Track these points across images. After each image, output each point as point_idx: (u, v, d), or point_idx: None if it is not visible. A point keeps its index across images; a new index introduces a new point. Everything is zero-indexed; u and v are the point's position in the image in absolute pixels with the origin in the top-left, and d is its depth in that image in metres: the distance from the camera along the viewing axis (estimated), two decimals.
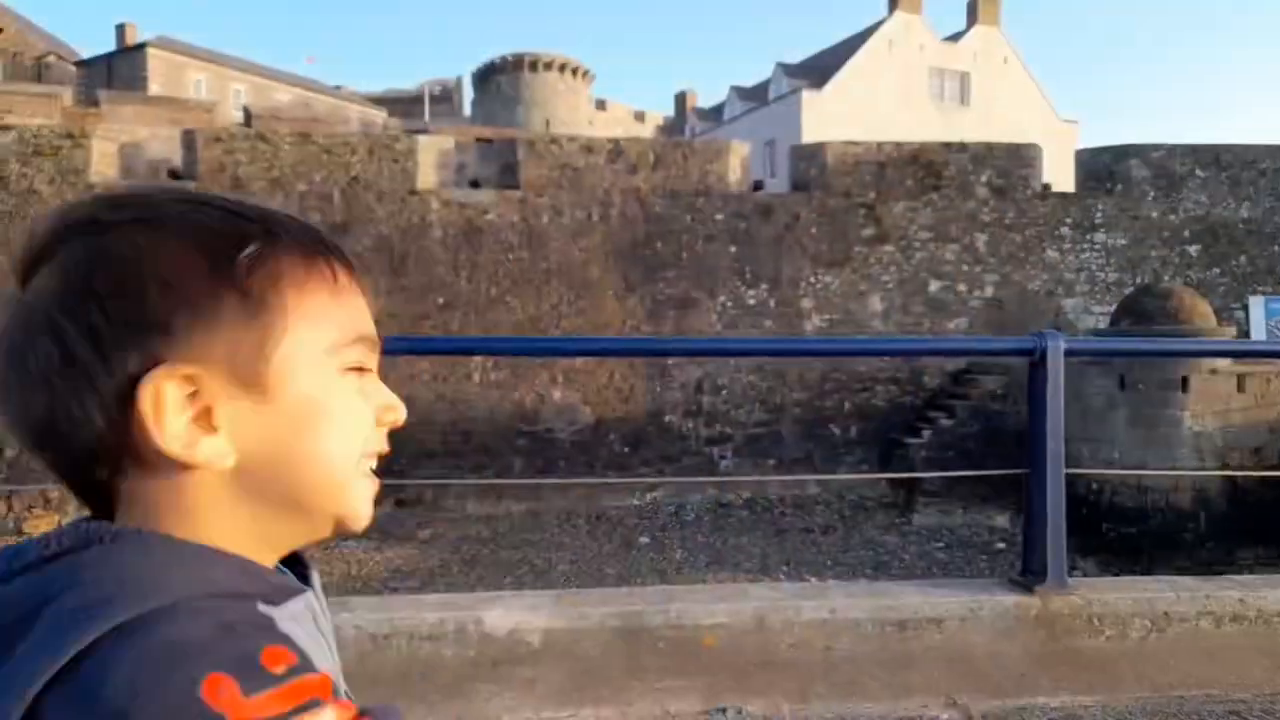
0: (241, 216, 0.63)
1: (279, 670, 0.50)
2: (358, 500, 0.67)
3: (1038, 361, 3.39)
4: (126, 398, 0.56)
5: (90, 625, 0.49)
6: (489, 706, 2.69)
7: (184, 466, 0.57)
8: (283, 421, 0.60)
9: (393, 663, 2.84)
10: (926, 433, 16.45)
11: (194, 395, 0.57)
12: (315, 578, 0.69)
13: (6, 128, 16.99)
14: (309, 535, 0.66)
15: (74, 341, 0.57)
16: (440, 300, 17.26)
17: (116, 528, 0.57)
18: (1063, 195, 18.94)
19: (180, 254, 0.59)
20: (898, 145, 18.71)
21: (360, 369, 0.67)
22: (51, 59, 48.01)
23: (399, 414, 0.72)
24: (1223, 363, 13.49)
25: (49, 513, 15.28)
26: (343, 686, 0.62)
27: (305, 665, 0.52)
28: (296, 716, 0.49)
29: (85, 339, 0.56)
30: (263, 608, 0.55)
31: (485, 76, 57.62)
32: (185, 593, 0.53)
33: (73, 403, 0.56)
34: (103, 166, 16.98)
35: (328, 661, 0.63)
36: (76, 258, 0.61)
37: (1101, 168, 19.06)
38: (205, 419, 0.58)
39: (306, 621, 0.61)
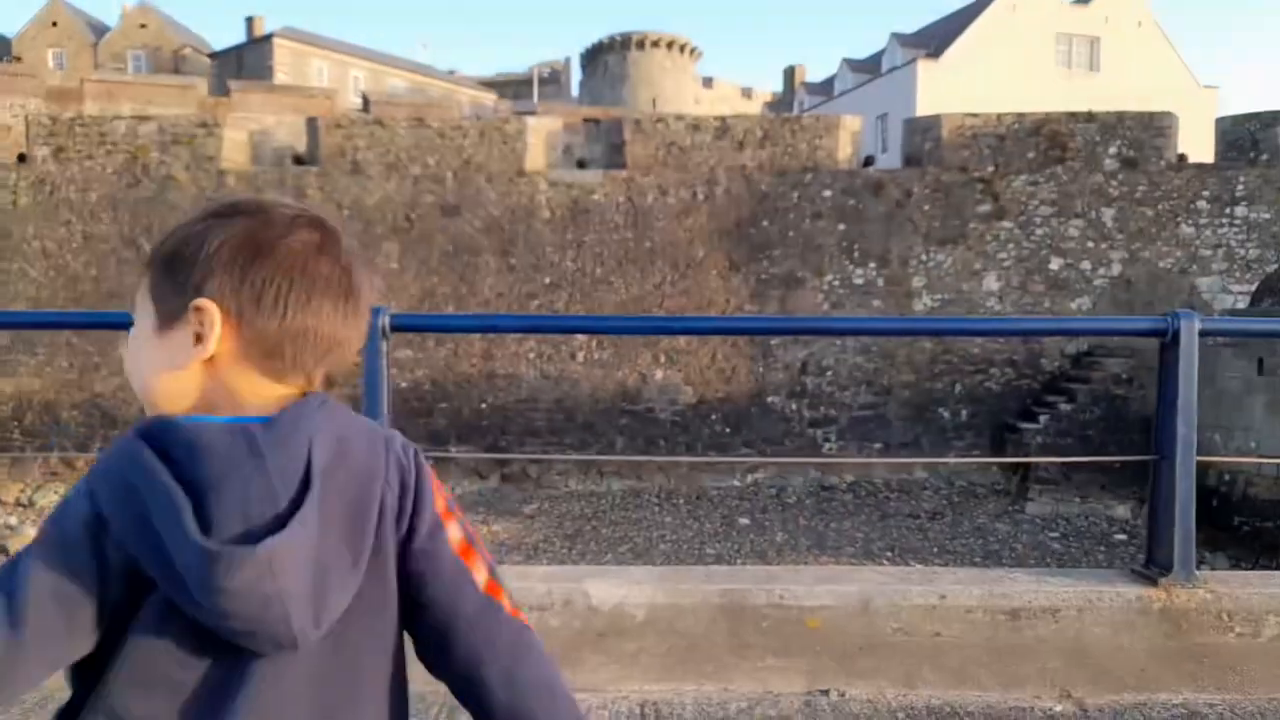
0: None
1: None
2: None
3: (1169, 342, 3.23)
4: None
5: None
6: (596, 676, 2.76)
7: None
8: None
9: None
10: (1044, 418, 15.80)
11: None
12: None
13: (148, 118, 18.16)
14: None
15: None
16: (547, 280, 17.58)
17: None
18: (1200, 166, 17.74)
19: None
20: (1019, 116, 17.87)
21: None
22: (187, 51, 50.95)
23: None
24: None
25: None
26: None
27: None
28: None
29: None
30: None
31: (593, 56, 58.00)
32: None
33: None
34: (233, 153, 17.95)
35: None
36: None
37: (1244, 136, 17.76)
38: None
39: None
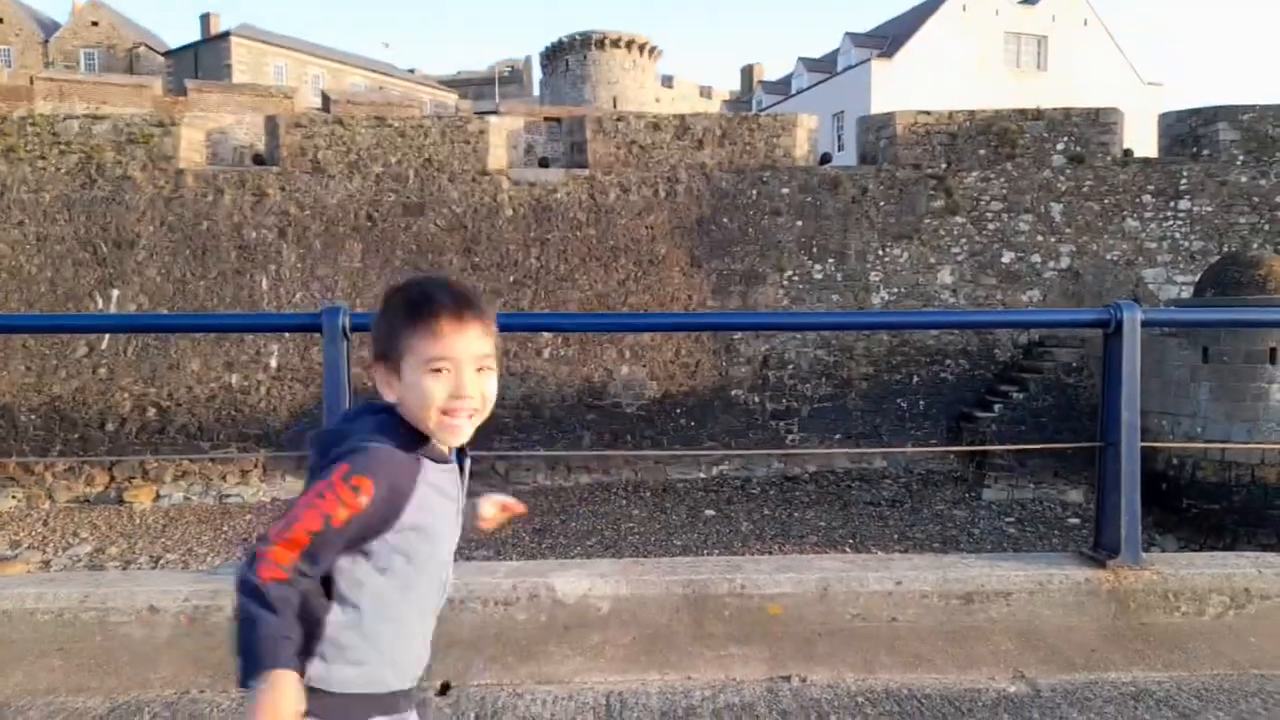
0: (406, 300, 1.42)
1: (355, 482, 1.28)
2: (437, 430, 1.39)
3: (1113, 332, 3.33)
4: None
5: (350, 443, 1.36)
6: (561, 669, 2.79)
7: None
8: (406, 390, 1.39)
9: (469, 625, 2.97)
10: (998, 406, 16.11)
11: (385, 375, 1.42)
12: (466, 461, 1.49)
13: (102, 117, 17.77)
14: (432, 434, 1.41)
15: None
16: (511, 278, 17.53)
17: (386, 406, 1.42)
18: (1145, 161, 18.18)
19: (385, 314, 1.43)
20: (970, 114, 18.19)
21: (436, 370, 1.37)
22: (142, 50, 49.85)
23: (460, 401, 1.39)
24: None
25: (147, 483, 16.08)
26: (449, 536, 1.45)
27: (369, 481, 1.30)
28: (349, 492, 1.28)
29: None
30: (402, 462, 1.36)
31: (553, 56, 57.73)
32: (379, 446, 1.36)
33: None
34: (191, 153, 17.64)
35: (443, 506, 1.41)
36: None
37: (1187, 132, 18.22)
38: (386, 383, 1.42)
39: (434, 474, 1.39)
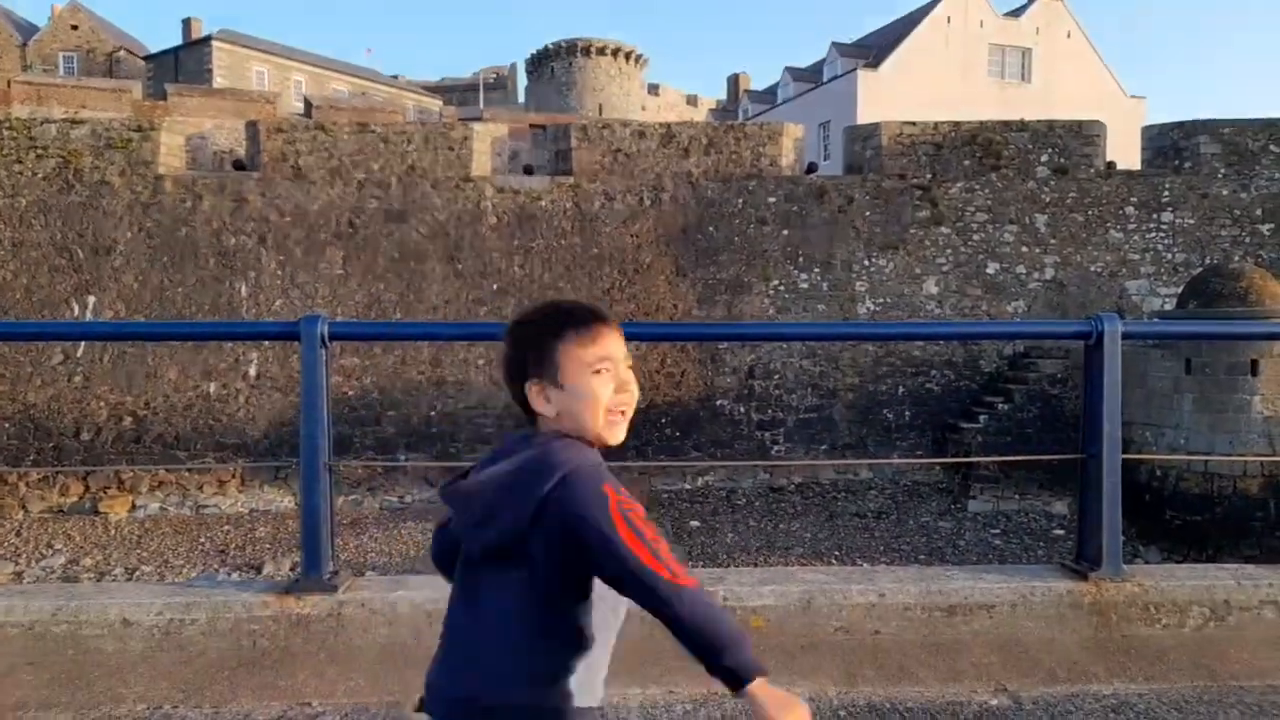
0: (556, 315, 1.53)
1: (626, 500, 1.36)
2: (603, 431, 1.51)
3: (1094, 344, 3.35)
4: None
5: (557, 473, 1.38)
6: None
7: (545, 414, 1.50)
8: (570, 397, 1.48)
9: None
10: (983, 417, 16.17)
11: (541, 390, 1.49)
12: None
13: (80, 122, 17.62)
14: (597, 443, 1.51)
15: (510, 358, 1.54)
16: (495, 286, 17.48)
17: (544, 433, 1.49)
18: (1128, 174, 18.37)
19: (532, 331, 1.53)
20: (955, 125, 18.33)
21: (598, 371, 1.49)
22: (122, 54, 49.52)
23: (626, 401, 1.53)
24: None
25: (123, 493, 15.89)
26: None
27: (623, 488, 1.37)
28: (625, 503, 1.35)
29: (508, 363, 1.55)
30: (603, 470, 1.43)
31: (539, 63, 57.81)
32: (581, 462, 1.41)
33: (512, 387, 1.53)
34: (170, 158, 17.52)
35: None
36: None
37: (1169, 145, 18.43)
38: (542, 398, 1.49)
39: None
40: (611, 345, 1.50)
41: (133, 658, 2.84)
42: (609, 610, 1.45)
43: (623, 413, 1.51)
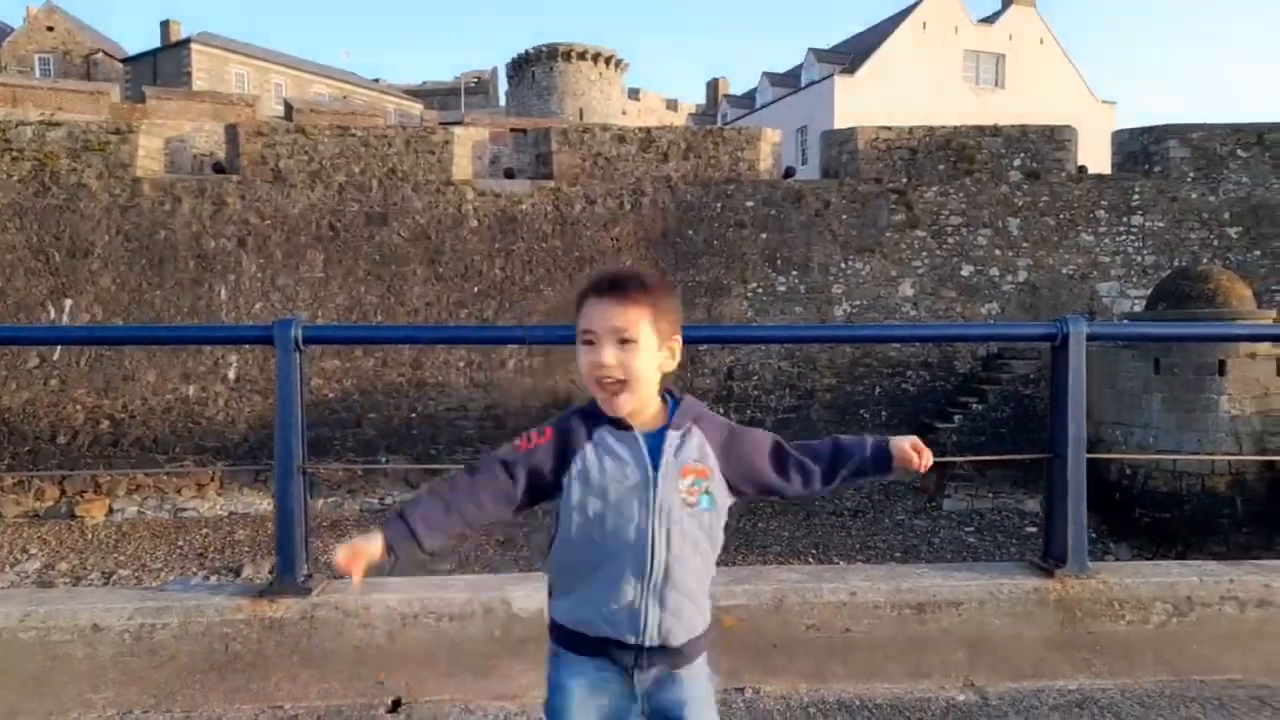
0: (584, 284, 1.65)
1: (542, 428, 1.68)
2: (595, 396, 1.62)
3: (1060, 346, 3.40)
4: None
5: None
6: (516, 683, 2.77)
7: None
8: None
9: (422, 641, 2.94)
10: (958, 417, 16.33)
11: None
12: (667, 435, 1.65)
13: (57, 124, 17.43)
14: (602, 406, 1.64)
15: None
16: (476, 289, 17.45)
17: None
18: (1099, 177, 18.61)
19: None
20: (930, 130, 18.50)
21: (584, 342, 1.60)
22: (99, 56, 49.01)
23: (600, 369, 1.59)
24: (1262, 346, 13.21)
25: (100, 497, 15.73)
26: (636, 500, 1.60)
27: (549, 429, 1.66)
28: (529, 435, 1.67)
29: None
30: (578, 422, 1.66)
31: (519, 67, 57.72)
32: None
33: None
34: (149, 161, 17.37)
35: (615, 467, 1.60)
36: None
37: (1139, 149, 18.69)
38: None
39: (616, 445, 1.61)
40: (597, 318, 1.59)
41: (103, 663, 2.83)
42: (591, 526, 1.62)
43: (605, 381, 1.59)
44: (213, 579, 12.35)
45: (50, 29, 49.35)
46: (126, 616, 2.92)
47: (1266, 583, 3.40)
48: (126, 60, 50.43)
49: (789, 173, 18.88)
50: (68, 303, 16.60)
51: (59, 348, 16.28)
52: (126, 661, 2.84)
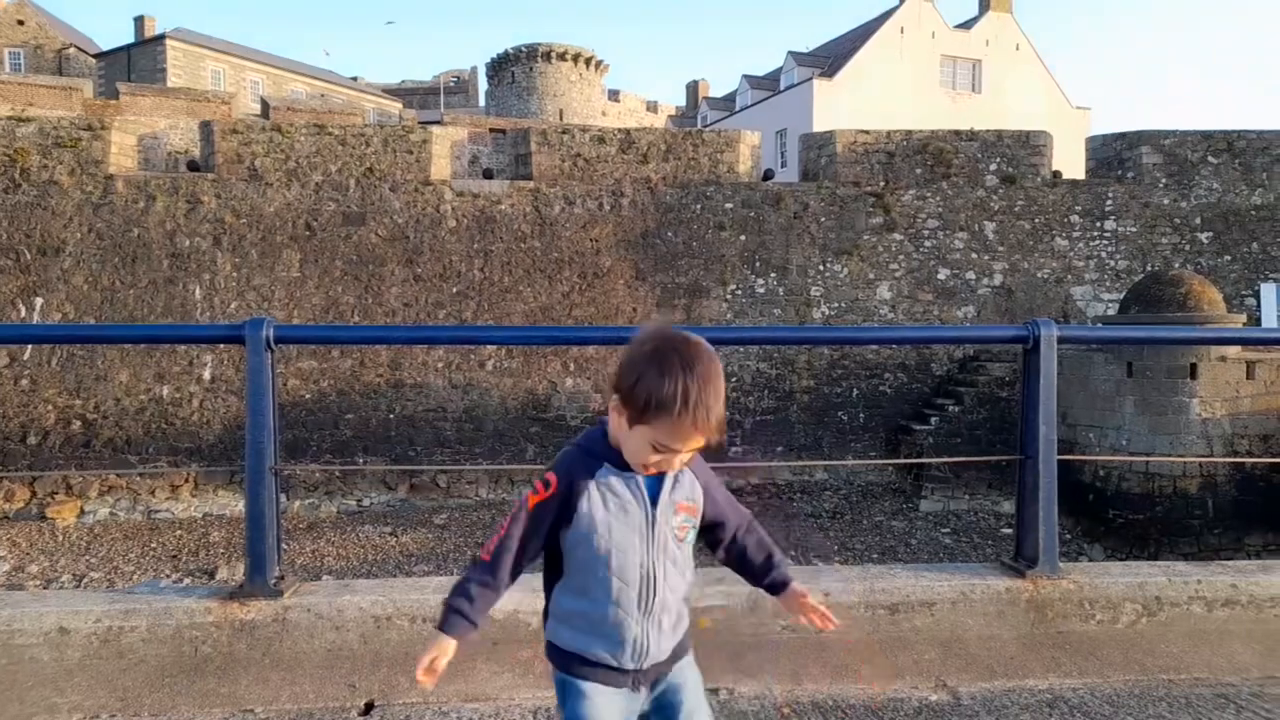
0: (664, 398, 1.61)
1: (546, 477, 1.70)
2: (635, 466, 1.68)
3: (1031, 349, 3.43)
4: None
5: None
6: (489, 685, 2.76)
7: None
8: (627, 435, 1.66)
9: (394, 643, 2.92)
10: (934, 419, 16.45)
11: (616, 411, 1.66)
12: (666, 478, 1.73)
13: (28, 119, 17.17)
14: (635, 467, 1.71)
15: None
16: (454, 289, 17.37)
17: (600, 425, 1.75)
18: (1073, 182, 18.82)
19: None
20: (907, 134, 18.64)
21: (657, 449, 1.64)
22: (72, 51, 48.33)
23: (662, 464, 1.69)
24: (1232, 350, 13.40)
25: (71, 498, 15.51)
26: (638, 538, 1.70)
27: (553, 476, 1.69)
28: (533, 495, 1.69)
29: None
30: (569, 458, 1.73)
31: (499, 67, 57.54)
32: (566, 451, 1.74)
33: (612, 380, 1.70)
34: (122, 158, 17.15)
35: (618, 507, 1.68)
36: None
37: (1112, 155, 18.92)
38: (614, 415, 1.68)
39: (618, 486, 1.69)
40: (682, 440, 1.63)
41: (69, 666, 2.79)
42: (596, 562, 1.71)
43: (656, 469, 1.70)
44: (186, 581, 12.21)
45: (21, 23, 48.63)
46: (94, 619, 2.88)
47: (1234, 583, 3.45)
48: (100, 56, 49.80)
49: (768, 175, 18.95)
50: (38, 301, 16.36)
51: (29, 347, 16.05)
52: (94, 664, 2.80)
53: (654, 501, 1.71)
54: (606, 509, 1.67)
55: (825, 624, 1.94)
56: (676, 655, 1.81)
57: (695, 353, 1.66)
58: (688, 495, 1.77)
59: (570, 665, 1.73)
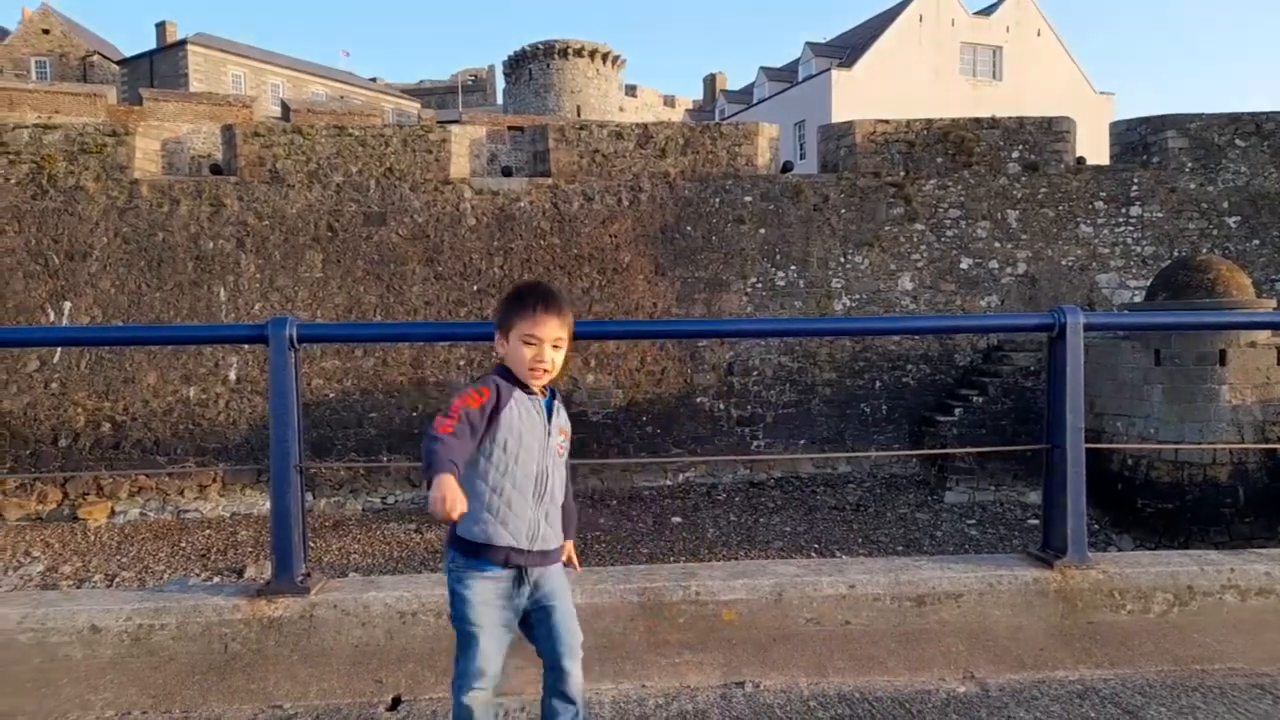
0: (516, 295, 2.26)
1: (480, 388, 2.16)
2: (525, 378, 2.20)
3: (1057, 336, 3.38)
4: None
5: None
6: (514, 680, 2.77)
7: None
8: (510, 350, 2.22)
9: (420, 639, 2.94)
10: (958, 410, 16.31)
11: (500, 339, 2.25)
12: (556, 400, 2.28)
13: (54, 127, 17.41)
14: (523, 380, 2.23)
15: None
16: (475, 287, 17.44)
17: (498, 365, 2.28)
18: (1097, 169, 18.56)
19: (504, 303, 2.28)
20: (927, 123, 18.46)
21: (527, 342, 2.19)
22: (95, 58, 48.97)
23: (539, 364, 2.19)
24: (1262, 335, 13.18)
25: (102, 499, 15.74)
26: (537, 444, 2.21)
27: (487, 389, 2.15)
28: (469, 395, 2.14)
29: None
30: (490, 380, 2.19)
31: (516, 65, 57.64)
32: (487, 376, 2.20)
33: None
34: (146, 163, 17.35)
35: (529, 419, 2.20)
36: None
37: (1137, 140, 18.63)
38: (500, 344, 2.25)
39: (526, 402, 2.20)
40: (543, 328, 2.18)
41: (101, 664, 2.83)
42: (508, 460, 2.15)
43: (537, 371, 2.18)
44: (215, 580, 12.36)
45: (46, 31, 49.33)
46: (125, 618, 2.92)
47: (1268, 571, 3.40)
48: (122, 62, 50.39)
49: (787, 167, 18.85)
50: (67, 305, 16.59)
51: (59, 351, 16.28)
52: (125, 662, 2.84)
53: (549, 420, 2.22)
54: (521, 418, 2.15)
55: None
56: (553, 556, 2.24)
57: (533, 280, 2.51)
58: (565, 424, 2.29)
59: (473, 551, 2.13)
